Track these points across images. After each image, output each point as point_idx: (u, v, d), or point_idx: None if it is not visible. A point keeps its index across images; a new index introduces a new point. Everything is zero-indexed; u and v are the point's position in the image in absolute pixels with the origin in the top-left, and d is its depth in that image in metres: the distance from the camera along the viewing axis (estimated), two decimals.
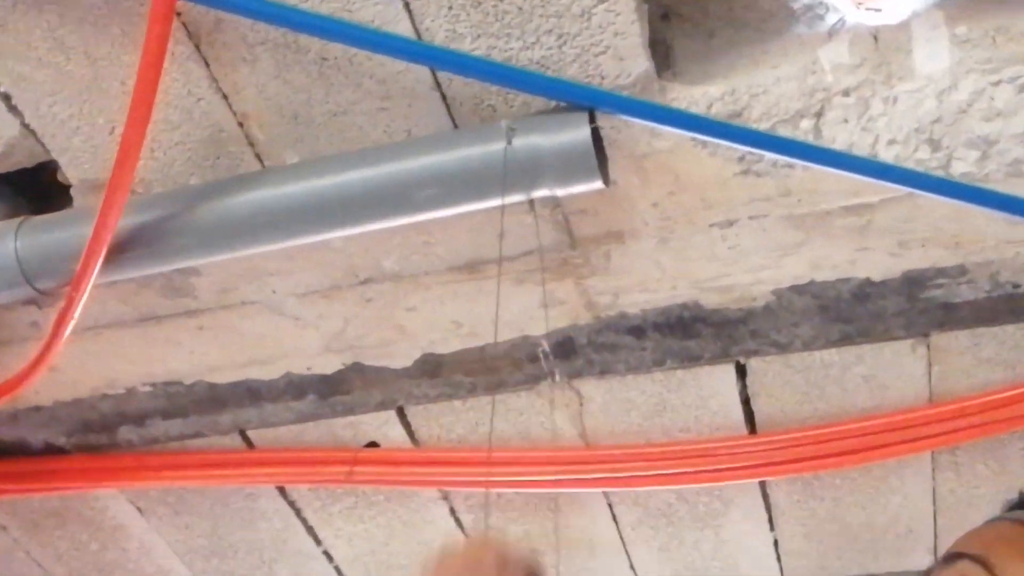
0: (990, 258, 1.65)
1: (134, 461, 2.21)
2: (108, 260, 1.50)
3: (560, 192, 1.42)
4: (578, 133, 1.37)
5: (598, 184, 1.40)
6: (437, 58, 1.42)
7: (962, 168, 1.50)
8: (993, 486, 2.03)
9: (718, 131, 1.43)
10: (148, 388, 2.07)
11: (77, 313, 1.57)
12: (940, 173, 1.51)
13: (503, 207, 1.41)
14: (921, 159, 1.50)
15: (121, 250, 1.52)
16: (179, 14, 1.43)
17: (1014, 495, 2.02)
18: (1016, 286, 1.68)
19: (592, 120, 1.39)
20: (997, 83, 1.43)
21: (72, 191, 1.68)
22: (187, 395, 2.08)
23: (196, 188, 1.56)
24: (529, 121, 1.41)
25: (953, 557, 1.01)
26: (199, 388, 2.06)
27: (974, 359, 1.81)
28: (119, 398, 2.10)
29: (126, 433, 2.17)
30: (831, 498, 2.11)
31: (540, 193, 1.42)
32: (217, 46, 1.47)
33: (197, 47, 1.48)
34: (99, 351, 1.98)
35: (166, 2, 1.33)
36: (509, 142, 1.37)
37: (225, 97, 1.53)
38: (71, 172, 1.65)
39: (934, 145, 1.49)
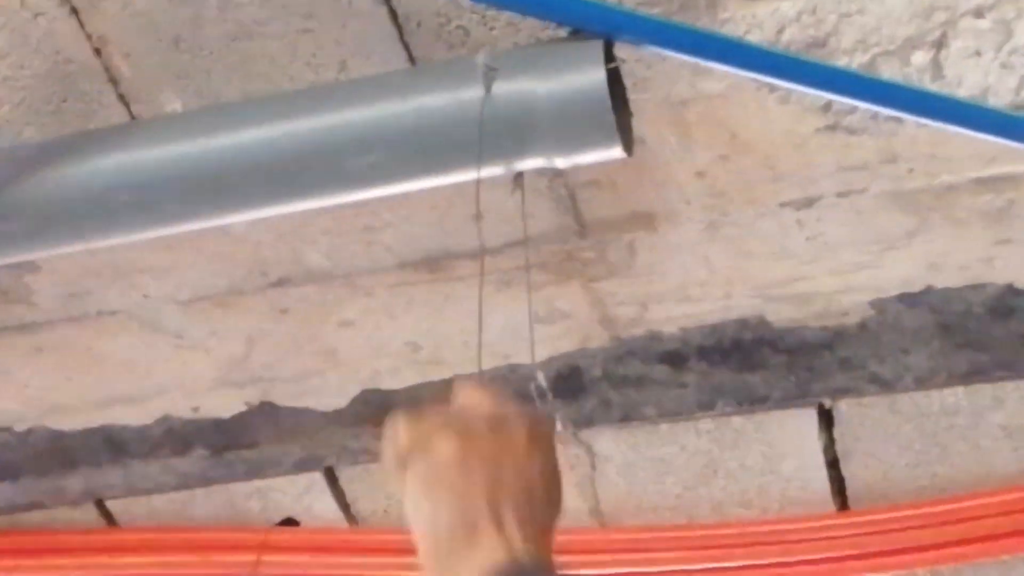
0: None
1: None
2: None
3: (561, 162, 1.42)
4: (588, 75, 1.36)
5: (617, 152, 1.40)
6: None
7: None
8: None
9: (790, 70, 1.44)
10: None
11: None
12: None
13: (479, 181, 1.41)
14: None
15: None
16: None
17: None
18: None
19: (609, 55, 1.38)
20: None
21: None
22: (19, 447, 2.09)
23: (32, 147, 1.56)
24: (517, 55, 1.42)
25: None
26: (36, 437, 2.07)
27: None
28: None
29: None
30: None
31: (531, 163, 1.42)
32: None
33: None
34: None
35: None
36: (487, 87, 1.37)
37: (75, 12, 1.54)
38: None
39: None
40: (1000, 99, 1.51)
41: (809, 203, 1.66)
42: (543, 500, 1.12)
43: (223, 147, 1.48)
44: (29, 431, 2.06)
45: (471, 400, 1.19)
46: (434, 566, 1.10)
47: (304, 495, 2.11)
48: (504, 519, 1.08)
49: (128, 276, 1.81)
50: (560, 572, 1.11)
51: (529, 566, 1.05)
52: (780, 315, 1.80)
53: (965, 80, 1.51)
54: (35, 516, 2.19)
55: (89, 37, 1.56)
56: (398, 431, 1.15)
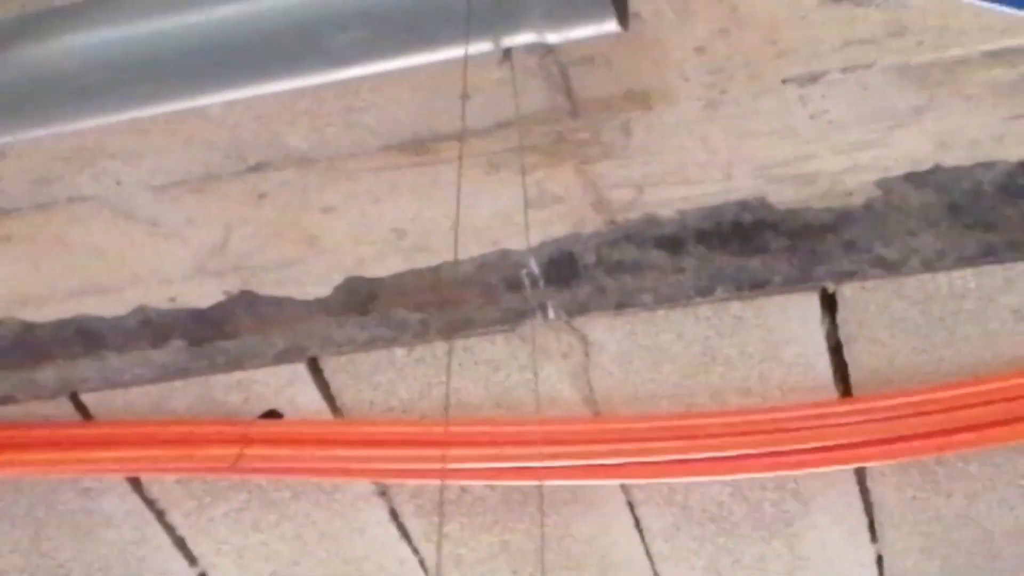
0: None
1: None
2: None
3: (552, 37, 1.41)
4: None
5: (611, 26, 1.39)
6: None
7: None
8: None
9: None
10: None
11: None
12: None
13: (466, 58, 1.40)
14: None
15: None
16: None
17: None
18: None
19: None
20: None
21: None
22: None
23: None
24: None
25: None
26: (7, 329, 2.09)
27: None
28: None
29: None
30: (962, 493, 2.16)
31: (521, 39, 1.41)
32: None
33: None
34: None
35: None
36: None
37: None
38: None
39: None
40: None
41: (813, 79, 1.66)
42: None
43: (197, 23, 1.47)
44: None
45: None
46: None
47: (287, 387, 2.13)
48: None
49: (99, 161, 1.81)
50: None
51: None
52: (782, 196, 1.80)
53: None
54: (8, 410, 2.20)
55: None
56: None
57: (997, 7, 1.48)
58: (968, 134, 1.70)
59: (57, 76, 1.51)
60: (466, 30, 1.40)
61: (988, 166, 1.73)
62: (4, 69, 1.51)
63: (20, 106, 1.53)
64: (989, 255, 1.83)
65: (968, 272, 1.86)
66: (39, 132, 1.58)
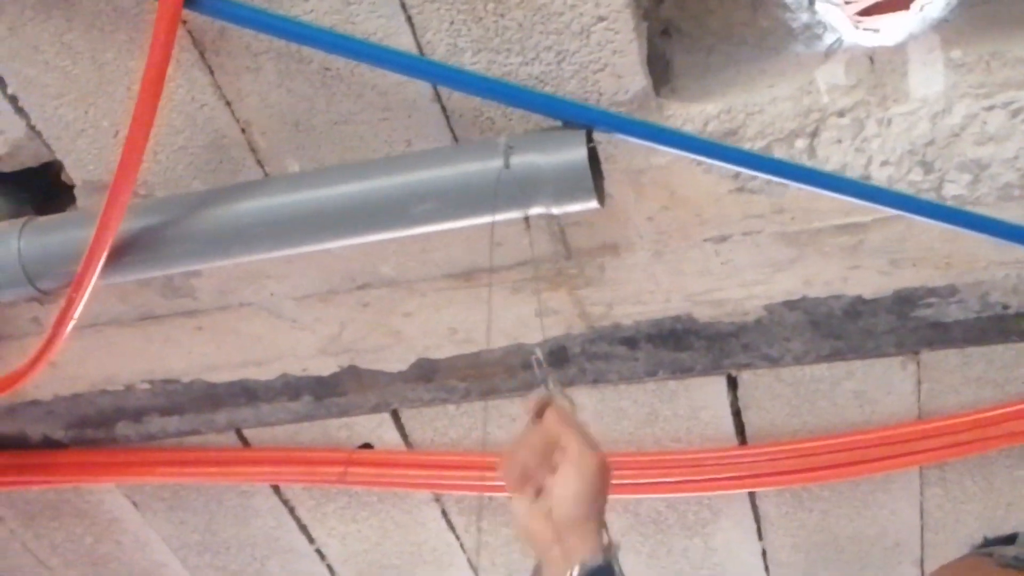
0: (980, 279, 1.67)
1: (130, 456, 2.25)
2: (109, 263, 1.53)
3: (556, 210, 1.44)
4: (575, 153, 1.39)
5: (593, 204, 1.42)
6: (436, 74, 1.44)
7: (954, 191, 1.53)
8: (980, 503, 2.05)
9: (712, 151, 1.46)
10: (146, 385, 2.10)
11: (77, 313, 1.60)
12: (932, 195, 1.54)
13: (492, 224, 1.43)
14: (914, 181, 1.53)
15: (122, 253, 1.54)
16: (184, 22, 1.46)
17: (1000, 511, 2.06)
18: (1005, 307, 1.70)
19: (589, 139, 1.41)
20: (990, 108, 1.45)
21: (76, 191, 1.71)
22: (184, 393, 2.11)
23: (198, 195, 1.58)
24: (527, 138, 1.44)
25: None
26: (197, 386, 2.09)
27: (963, 377, 1.83)
28: (117, 394, 2.13)
29: (123, 429, 2.20)
30: (820, 510, 2.14)
31: (536, 211, 1.44)
32: (222, 54, 1.50)
33: (202, 55, 1.50)
34: (98, 348, 2.01)
35: (172, 10, 1.36)
36: (506, 161, 1.39)
37: (228, 104, 1.56)
38: (75, 173, 1.68)
39: (927, 167, 1.51)
40: (853, 173, 1.52)
41: (723, 239, 1.67)
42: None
43: (327, 196, 1.51)
44: (191, 382, 2.08)
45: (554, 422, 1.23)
46: (545, 549, 1.17)
47: (377, 428, 2.13)
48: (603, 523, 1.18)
49: (260, 280, 1.83)
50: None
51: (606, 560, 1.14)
52: (703, 314, 1.80)
53: (831, 158, 1.52)
54: (194, 439, 2.21)
55: (237, 120, 1.58)
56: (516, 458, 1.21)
57: (843, 197, 1.50)
58: (824, 277, 1.71)
59: (236, 227, 1.54)
60: (493, 205, 1.43)
61: (837, 297, 1.74)
62: (203, 221, 1.55)
63: (214, 244, 1.56)
64: (837, 355, 1.83)
65: (824, 366, 1.86)
66: (224, 261, 1.61)
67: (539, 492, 1.21)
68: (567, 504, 1.18)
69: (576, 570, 1.14)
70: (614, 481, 2.01)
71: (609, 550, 1.18)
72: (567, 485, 1.18)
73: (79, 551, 2.57)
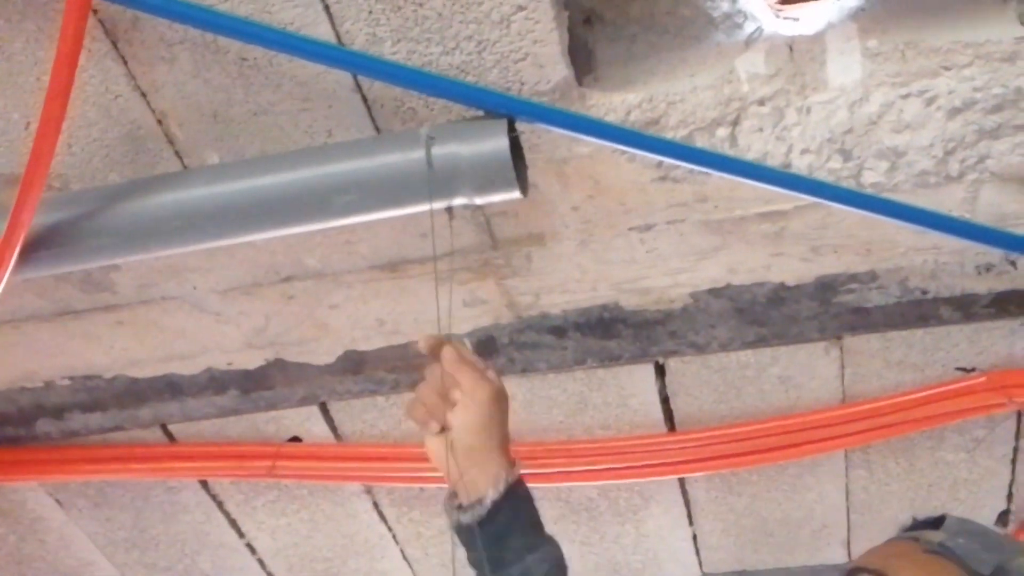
0: (900, 264, 1.70)
1: (52, 454, 2.20)
2: (23, 257, 1.49)
3: (479, 200, 1.43)
4: (497, 143, 1.38)
5: (516, 194, 1.42)
6: (356, 63, 1.43)
7: (872, 178, 1.55)
8: (903, 483, 2.10)
9: (634, 141, 1.46)
10: (67, 381, 2.06)
11: None
12: (851, 183, 1.56)
13: (431, 212, 1.42)
14: (833, 168, 1.55)
15: (36, 247, 1.50)
16: (96, 11, 1.42)
17: (923, 492, 2.10)
18: (924, 292, 1.73)
19: (511, 129, 1.40)
20: (906, 96, 1.48)
21: None
22: (107, 389, 2.07)
23: (114, 187, 1.54)
24: (448, 128, 1.42)
25: (855, 571, 1.08)
26: (119, 382, 2.05)
27: (884, 361, 1.87)
28: (37, 391, 2.09)
29: (44, 426, 2.16)
30: (748, 494, 2.17)
31: (459, 202, 1.43)
32: (135, 44, 1.46)
33: (114, 44, 1.47)
34: (16, 344, 1.97)
35: None
36: (428, 150, 1.38)
37: (143, 95, 1.53)
38: None
39: (845, 155, 1.53)
40: (774, 161, 1.54)
41: (648, 228, 1.68)
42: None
43: (248, 188, 1.48)
44: (114, 378, 2.05)
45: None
46: (454, 480, 1.27)
47: (305, 421, 2.11)
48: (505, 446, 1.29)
49: (182, 273, 1.80)
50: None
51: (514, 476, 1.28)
52: (629, 302, 1.81)
53: (752, 147, 1.53)
54: (118, 435, 2.18)
55: (153, 111, 1.55)
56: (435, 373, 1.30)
57: (764, 185, 1.52)
58: (748, 264, 1.73)
59: (155, 220, 1.51)
60: (430, 195, 1.42)
61: (761, 284, 1.76)
62: (121, 215, 1.51)
63: (133, 238, 1.53)
64: (761, 341, 1.85)
65: (749, 352, 1.88)
66: (144, 255, 1.58)
67: (443, 428, 1.28)
68: (464, 434, 1.26)
69: (481, 497, 1.25)
70: (544, 470, 2.06)
71: (513, 473, 1.28)
72: (463, 416, 1.27)
73: (2, 551, 2.52)
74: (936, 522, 1.14)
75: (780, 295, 1.76)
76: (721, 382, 1.94)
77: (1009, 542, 1.12)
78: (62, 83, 1.37)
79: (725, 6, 1.56)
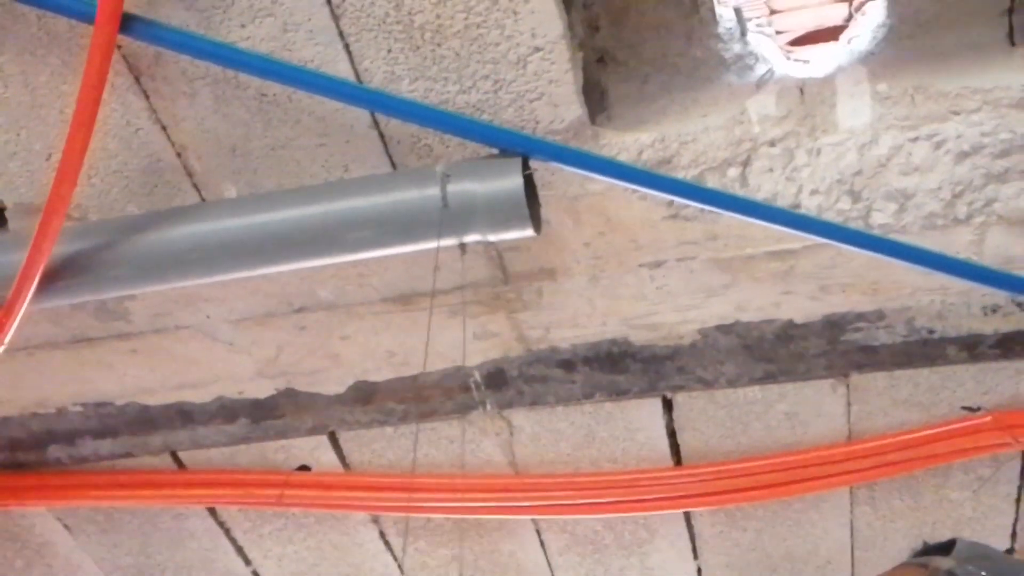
0: (907, 304, 1.71)
1: (62, 479, 2.21)
2: (41, 286, 1.50)
3: (492, 238, 1.45)
4: (511, 181, 1.39)
5: (529, 232, 1.43)
6: (374, 101, 1.45)
7: (881, 219, 1.57)
8: (908, 520, 2.10)
9: (646, 180, 1.47)
10: (79, 408, 2.07)
11: (8, 338, 1.57)
12: (860, 223, 1.57)
13: (437, 251, 1.43)
14: (842, 209, 1.56)
15: (55, 277, 1.52)
16: (120, 47, 1.44)
17: (927, 529, 2.10)
18: (931, 331, 1.74)
19: (526, 167, 1.41)
20: (915, 139, 1.49)
21: (7, 214, 1.68)
22: (118, 416, 2.08)
23: (133, 218, 1.56)
24: (463, 166, 1.44)
25: None
26: (131, 409, 2.06)
27: (891, 400, 1.87)
28: (49, 417, 2.10)
29: (55, 452, 2.17)
30: (753, 529, 2.17)
31: (472, 238, 1.44)
32: (157, 79, 1.49)
33: (137, 79, 1.49)
34: (30, 371, 1.98)
35: (108, 35, 1.34)
36: (444, 187, 1.39)
37: (164, 128, 1.55)
38: (6, 196, 1.65)
39: (855, 196, 1.55)
40: (784, 201, 1.55)
41: (658, 265, 1.69)
42: None
43: (264, 222, 1.50)
44: (126, 405, 2.06)
45: None
46: None
47: (315, 450, 2.12)
48: None
49: (196, 303, 1.81)
50: None
51: None
52: (638, 337, 1.82)
53: (763, 187, 1.55)
54: (128, 462, 2.18)
55: (173, 144, 1.57)
56: None
57: (773, 225, 1.53)
58: (756, 302, 1.74)
59: (172, 251, 1.52)
60: (439, 231, 1.43)
61: (769, 322, 1.77)
62: (138, 246, 1.53)
63: (150, 269, 1.54)
64: (769, 378, 1.86)
65: (756, 388, 1.89)
66: (161, 286, 1.59)
67: None
68: None
69: None
70: (550, 502, 2.07)
71: None
72: None
73: (9, 575, 2.52)
74: (947, 546, 1.12)
75: (788, 332, 1.77)
76: (728, 417, 1.94)
77: (1021, 566, 1.11)
78: (86, 115, 1.38)
79: (737, 48, 1.58)
